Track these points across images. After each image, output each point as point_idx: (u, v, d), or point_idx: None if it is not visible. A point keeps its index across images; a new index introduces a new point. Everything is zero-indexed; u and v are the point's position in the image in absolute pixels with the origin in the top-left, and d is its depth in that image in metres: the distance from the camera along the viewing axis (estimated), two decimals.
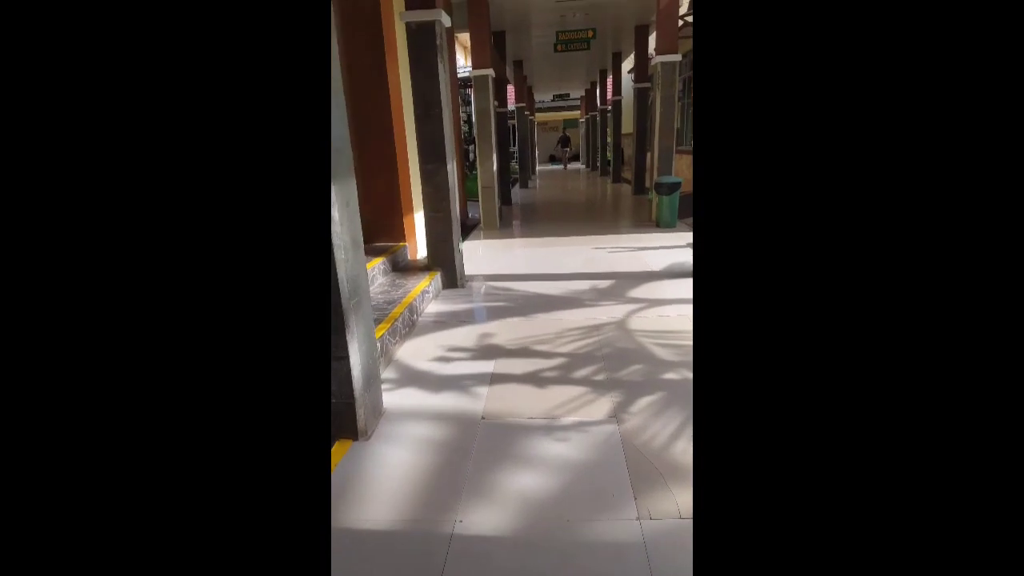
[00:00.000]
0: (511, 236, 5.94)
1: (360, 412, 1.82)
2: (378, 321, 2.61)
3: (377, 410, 1.95)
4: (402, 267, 3.90)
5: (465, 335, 2.80)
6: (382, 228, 4.16)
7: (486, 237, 5.88)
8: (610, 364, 2.33)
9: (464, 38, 9.39)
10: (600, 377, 2.21)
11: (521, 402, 2.04)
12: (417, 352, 2.59)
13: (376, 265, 3.43)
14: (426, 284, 3.36)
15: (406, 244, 4.16)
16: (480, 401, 2.06)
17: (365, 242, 4.21)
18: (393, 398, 2.12)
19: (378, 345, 2.26)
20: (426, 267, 3.76)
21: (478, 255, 4.98)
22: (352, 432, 1.82)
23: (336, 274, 1.65)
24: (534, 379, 2.24)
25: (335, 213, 1.62)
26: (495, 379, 2.25)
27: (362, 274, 1.82)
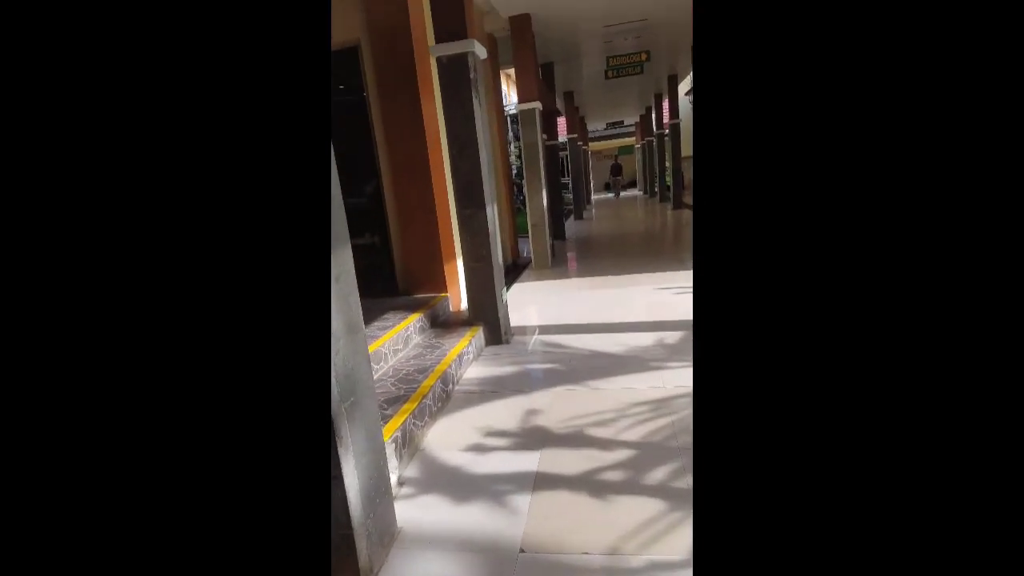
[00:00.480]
0: (564, 276, 5.48)
1: (361, 544, 1.40)
2: (403, 400, 2.22)
3: (387, 534, 1.52)
4: (442, 321, 3.54)
5: (507, 411, 2.34)
6: (422, 278, 3.85)
7: (537, 278, 5.46)
8: (690, 461, 1.78)
9: (513, 73, 9.29)
10: (679, 484, 1.67)
11: (573, 523, 1.54)
12: (448, 437, 2.16)
13: (412, 323, 3.08)
14: (465, 344, 2.96)
15: (448, 295, 3.81)
16: (519, 520, 1.58)
17: (404, 294, 3.93)
18: (412, 510, 1.69)
19: (388, 447, 1.84)
20: (468, 321, 3.38)
21: (527, 300, 4.55)
22: (352, 570, 1.40)
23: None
24: (590, 484, 1.73)
25: None
26: (540, 482, 1.77)
27: (362, 364, 1.43)
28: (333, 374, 1.29)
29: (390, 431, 1.94)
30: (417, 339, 3.10)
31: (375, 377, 2.51)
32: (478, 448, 2.04)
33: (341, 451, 1.32)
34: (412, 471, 1.93)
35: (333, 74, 4.03)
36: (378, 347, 2.62)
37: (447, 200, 3.89)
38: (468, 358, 2.96)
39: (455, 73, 2.96)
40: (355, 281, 1.42)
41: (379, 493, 1.49)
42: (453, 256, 3.92)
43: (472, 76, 2.96)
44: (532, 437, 2.08)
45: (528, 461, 1.90)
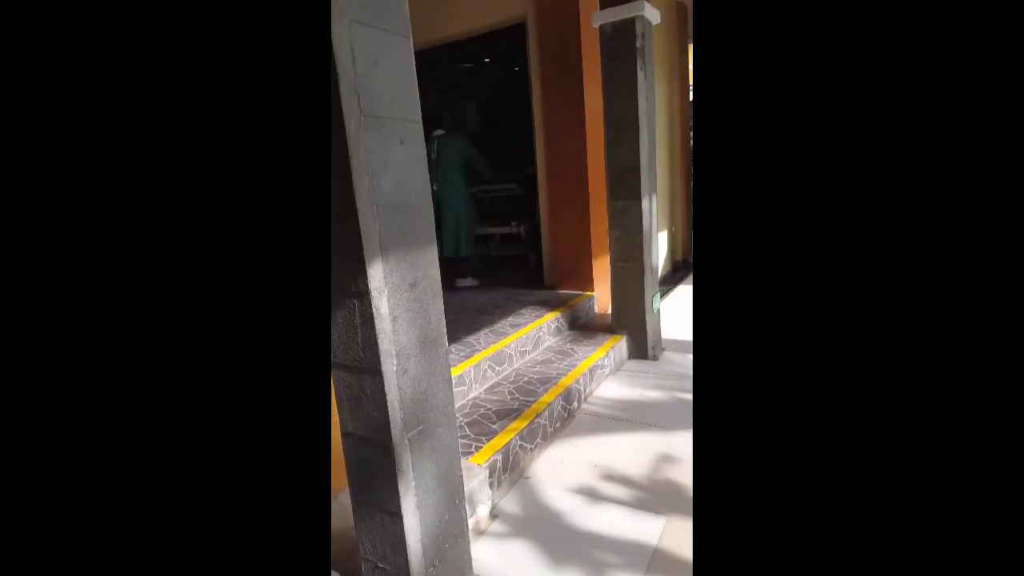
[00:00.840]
0: None
1: None
2: (515, 414, 1.97)
3: None
4: (582, 323, 3.21)
5: (636, 449, 1.94)
6: (567, 273, 3.57)
7: None
8: None
9: None
10: None
11: None
12: (559, 469, 1.86)
13: (546, 323, 2.83)
14: (601, 354, 2.60)
15: (594, 294, 3.47)
16: None
17: (549, 288, 3.69)
18: (496, 556, 1.44)
19: (482, 472, 1.59)
20: (610, 328, 2.99)
21: (688, 309, 3.94)
22: None
23: (385, 394, 1.08)
24: None
25: (382, 303, 1.04)
26: (658, 564, 1.36)
27: (438, 386, 1.21)
28: (397, 399, 1.09)
29: (490, 451, 1.72)
30: (550, 341, 2.84)
31: (494, 380, 2.33)
32: (591, 493, 1.70)
33: (401, 487, 1.12)
34: (509, 503, 1.68)
35: (498, 51, 3.92)
36: (502, 347, 2.42)
37: (603, 189, 3.51)
38: (603, 372, 2.59)
39: (619, 42, 2.54)
40: (439, 287, 1.19)
41: (451, 536, 1.27)
42: (605, 252, 3.54)
43: (639, 44, 2.51)
44: (660, 493, 1.66)
45: (649, 528, 1.50)
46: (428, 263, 1.15)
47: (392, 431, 1.09)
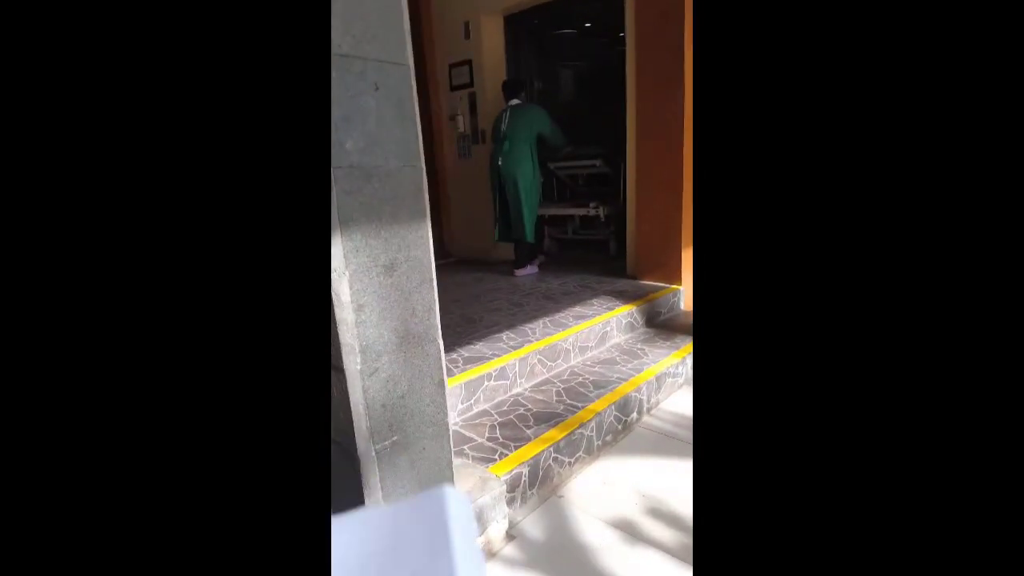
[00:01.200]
0: None
1: None
2: (555, 421, 1.73)
3: None
4: (662, 321, 2.83)
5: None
6: (652, 263, 3.17)
7: None
8: None
9: None
10: None
11: None
12: (600, 492, 1.58)
13: (616, 317, 2.51)
14: (676, 359, 2.24)
15: (680, 288, 3.05)
16: None
17: (630, 277, 3.33)
18: None
19: (497, 486, 1.36)
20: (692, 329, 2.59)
21: None
22: None
23: (348, 396, 0.90)
24: None
25: (342, 288, 0.86)
26: None
27: (421, 390, 1.01)
28: (362, 403, 0.91)
29: (515, 462, 1.50)
30: (618, 338, 2.52)
31: (544, 377, 2.09)
32: (630, 529, 1.41)
33: (368, 502, 0.95)
34: (532, 524, 1.46)
35: (590, 18, 3.56)
36: (557, 341, 2.17)
37: None
38: (675, 381, 2.23)
39: None
40: (430, 273, 0.98)
41: None
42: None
43: None
44: None
45: None
46: (413, 243, 0.95)
47: (356, 438, 0.92)
